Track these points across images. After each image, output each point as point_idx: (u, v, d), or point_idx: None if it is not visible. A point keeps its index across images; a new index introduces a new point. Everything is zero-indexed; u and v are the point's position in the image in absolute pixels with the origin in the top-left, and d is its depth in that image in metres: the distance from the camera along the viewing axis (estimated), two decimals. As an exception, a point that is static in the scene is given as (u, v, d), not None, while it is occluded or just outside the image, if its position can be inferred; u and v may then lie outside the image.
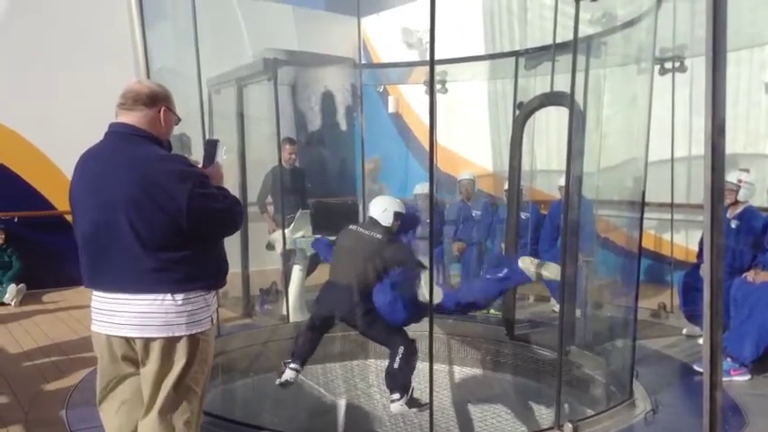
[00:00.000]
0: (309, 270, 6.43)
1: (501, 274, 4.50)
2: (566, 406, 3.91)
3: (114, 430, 2.62)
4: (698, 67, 6.09)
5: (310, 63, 6.89)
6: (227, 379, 4.91)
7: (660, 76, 6.26)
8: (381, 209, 4.41)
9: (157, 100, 2.58)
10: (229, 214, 2.57)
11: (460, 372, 5.42)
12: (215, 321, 2.64)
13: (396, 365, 4.13)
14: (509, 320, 5.36)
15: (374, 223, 4.40)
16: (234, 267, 6.60)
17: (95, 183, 2.47)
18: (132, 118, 2.54)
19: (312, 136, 7.35)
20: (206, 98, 5.87)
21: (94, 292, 2.55)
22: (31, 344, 5.74)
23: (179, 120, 2.72)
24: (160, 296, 2.42)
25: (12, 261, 7.81)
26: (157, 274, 2.42)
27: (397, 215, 4.39)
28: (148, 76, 3.89)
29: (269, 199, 6.82)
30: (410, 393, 4.12)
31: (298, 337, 4.52)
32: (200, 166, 2.63)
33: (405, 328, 4.30)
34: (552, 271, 4.27)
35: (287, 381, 4.30)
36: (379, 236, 4.31)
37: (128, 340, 2.49)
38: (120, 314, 2.45)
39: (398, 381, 4.13)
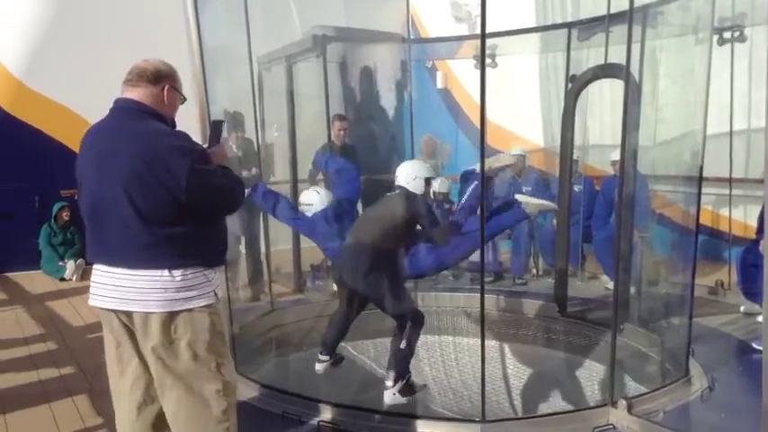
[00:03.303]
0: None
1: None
2: (620, 383, 3.87)
3: (125, 411, 2.65)
4: (758, 36, 5.88)
5: (359, 39, 6.87)
6: (280, 352, 5.01)
7: (719, 46, 6.05)
8: (411, 176, 4.15)
9: (161, 78, 2.61)
10: (229, 191, 2.59)
11: (512, 348, 5.41)
12: (220, 295, 2.63)
13: (401, 345, 3.89)
14: (561, 297, 5.33)
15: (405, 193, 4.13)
16: (285, 244, 6.75)
17: (100, 157, 2.50)
18: (137, 94, 2.58)
19: (361, 113, 7.35)
20: (256, 76, 5.94)
21: (95, 266, 2.58)
22: (92, 317, 5.83)
23: (184, 99, 2.74)
24: (158, 272, 2.43)
25: (74, 238, 8.09)
26: (155, 249, 2.43)
27: (427, 181, 4.17)
28: (201, 55, 3.96)
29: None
30: (406, 380, 3.93)
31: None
32: (205, 145, 2.66)
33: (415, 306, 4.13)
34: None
35: (318, 371, 4.28)
36: (396, 192, 4.11)
37: (128, 314, 2.50)
38: (120, 288, 2.47)
39: (395, 364, 3.93)
